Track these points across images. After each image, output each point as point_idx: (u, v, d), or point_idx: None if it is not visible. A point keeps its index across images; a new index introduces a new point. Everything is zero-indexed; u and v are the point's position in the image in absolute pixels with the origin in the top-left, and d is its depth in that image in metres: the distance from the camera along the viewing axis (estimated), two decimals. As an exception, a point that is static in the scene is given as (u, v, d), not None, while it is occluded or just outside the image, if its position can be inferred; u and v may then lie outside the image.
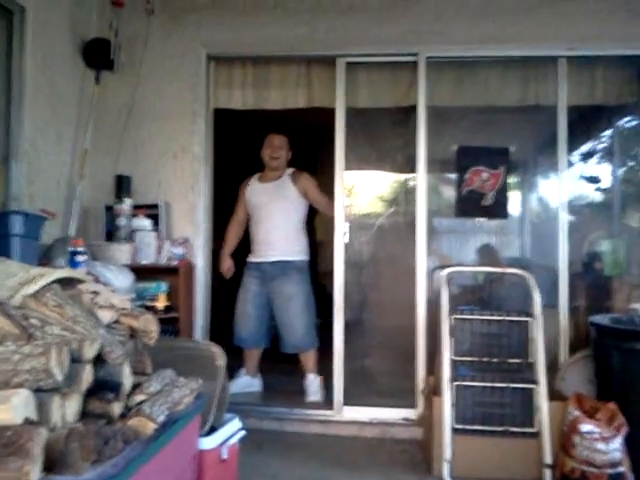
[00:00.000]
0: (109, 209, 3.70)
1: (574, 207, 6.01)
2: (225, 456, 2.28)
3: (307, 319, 3.97)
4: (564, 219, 3.89)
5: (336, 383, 3.74)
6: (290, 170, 4.15)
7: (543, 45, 3.70)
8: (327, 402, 3.79)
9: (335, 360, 3.76)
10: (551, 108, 3.85)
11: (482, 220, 4.05)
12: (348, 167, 3.91)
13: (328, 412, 3.70)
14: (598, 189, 5.67)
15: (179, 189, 3.87)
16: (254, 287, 4.06)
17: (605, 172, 5.52)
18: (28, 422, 1.37)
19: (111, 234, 3.63)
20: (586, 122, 5.14)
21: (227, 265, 4.20)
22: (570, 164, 6.07)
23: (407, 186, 5.53)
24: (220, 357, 2.40)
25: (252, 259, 4.11)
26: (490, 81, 3.90)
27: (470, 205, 3.98)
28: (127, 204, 3.62)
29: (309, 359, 3.98)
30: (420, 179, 3.77)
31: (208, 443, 2.20)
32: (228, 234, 4.27)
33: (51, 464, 1.32)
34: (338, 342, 3.77)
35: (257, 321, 4.06)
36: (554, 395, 3.03)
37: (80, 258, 2.78)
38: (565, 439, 2.77)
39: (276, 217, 4.01)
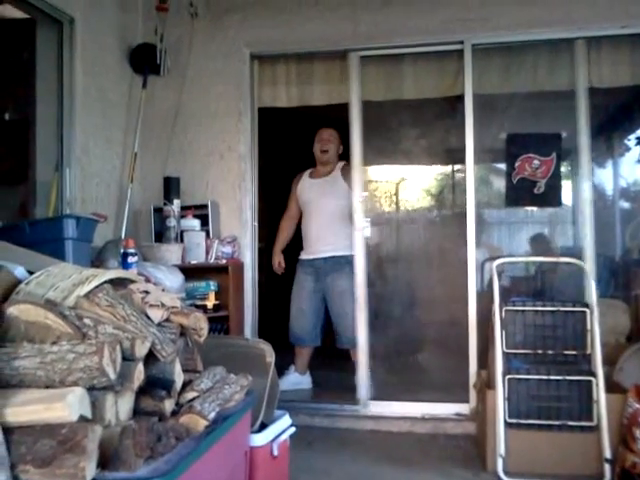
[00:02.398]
0: (158, 210, 3.77)
1: (630, 192, 5.82)
2: (276, 452, 2.29)
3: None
4: (620, 205, 3.71)
5: (361, 380, 3.75)
6: (341, 164, 4.14)
7: (593, 25, 3.57)
8: (378, 398, 3.78)
9: (360, 356, 3.77)
10: (604, 91, 3.71)
11: (534, 209, 3.92)
12: (394, 161, 3.87)
13: (378, 407, 3.68)
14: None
15: (226, 188, 3.92)
16: (308, 284, 4.07)
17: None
18: (83, 419, 1.40)
19: (161, 235, 3.70)
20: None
21: (277, 261, 4.23)
22: (627, 148, 5.89)
23: (455, 177, 5.46)
24: (270, 354, 2.42)
25: (304, 256, 4.13)
26: (539, 66, 3.79)
27: (521, 194, 3.88)
28: (176, 205, 3.68)
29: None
30: (469, 170, 3.71)
31: (259, 440, 2.21)
32: (280, 230, 4.30)
33: (105, 461, 1.35)
34: (362, 338, 3.77)
35: (313, 318, 4.07)
36: (612, 387, 2.92)
37: (131, 259, 2.84)
38: (626, 432, 2.67)
39: (327, 213, 4.02)
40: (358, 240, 3.83)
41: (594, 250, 3.57)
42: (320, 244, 4.03)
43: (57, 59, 3.39)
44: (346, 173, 4.04)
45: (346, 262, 3.96)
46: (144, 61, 3.89)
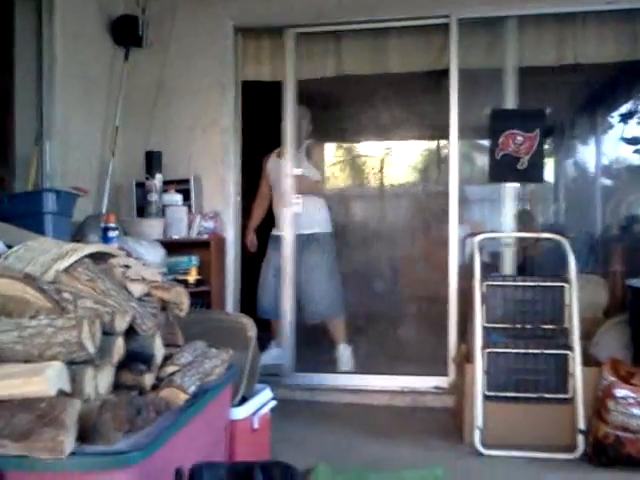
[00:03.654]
0: (140, 185, 3.75)
1: (612, 170, 5.87)
2: (257, 425, 2.31)
3: (329, 288, 3.99)
4: (601, 182, 3.74)
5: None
6: (308, 142, 4.12)
7: (579, 1, 3.55)
8: (358, 371, 3.82)
9: (284, 330, 3.90)
10: (589, 66, 3.72)
11: (516, 186, 3.93)
12: (377, 134, 3.86)
13: (357, 381, 3.73)
14: (637, 150, 5.51)
15: (209, 163, 3.89)
16: (276, 260, 4.08)
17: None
18: (62, 394, 1.41)
19: (142, 210, 3.68)
20: (627, 80, 4.97)
21: (249, 239, 4.24)
22: (608, 126, 5.92)
23: (439, 153, 5.46)
24: (251, 328, 2.43)
25: (274, 232, 4.14)
26: (525, 40, 3.77)
27: (504, 170, 3.88)
28: (157, 180, 3.65)
29: (337, 329, 4.01)
30: (452, 145, 3.71)
31: (240, 413, 2.23)
32: (253, 209, 4.30)
33: (85, 434, 1.36)
34: (287, 312, 3.90)
35: (279, 292, 4.10)
36: (588, 360, 2.98)
37: (112, 234, 2.83)
38: (599, 404, 2.73)
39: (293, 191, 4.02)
40: (287, 217, 3.89)
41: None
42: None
43: (36, 31, 3.32)
44: (311, 151, 4.03)
45: (314, 239, 3.99)
46: (126, 33, 3.82)
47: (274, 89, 4.07)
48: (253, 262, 4.33)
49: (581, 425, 2.79)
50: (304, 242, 4.00)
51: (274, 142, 4.27)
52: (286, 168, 3.98)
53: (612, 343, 3.18)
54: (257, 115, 4.30)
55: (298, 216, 3.99)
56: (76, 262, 1.83)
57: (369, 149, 5.73)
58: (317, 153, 3.99)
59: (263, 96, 4.18)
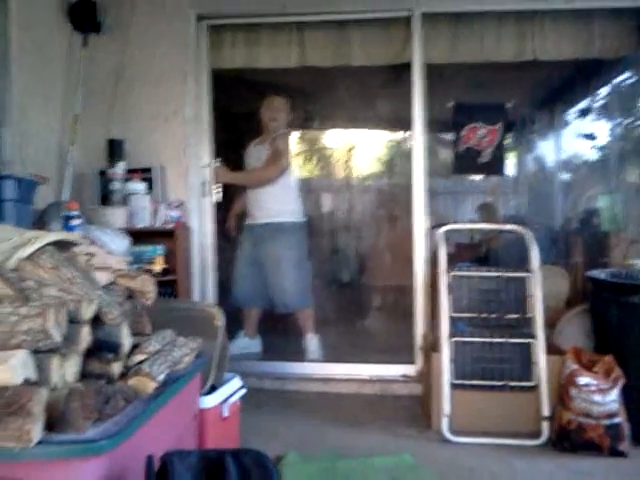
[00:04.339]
0: (102, 174, 3.67)
1: (571, 164, 6.00)
2: (226, 414, 2.30)
3: (298, 279, 4.00)
4: (561, 176, 3.82)
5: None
6: (281, 132, 4.11)
7: (539, -1, 3.62)
8: (326, 360, 3.84)
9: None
10: (549, 63, 3.78)
11: (479, 178, 3.99)
12: (342, 126, 3.86)
13: (326, 370, 3.75)
14: (595, 146, 5.65)
15: (171, 152, 3.81)
16: (248, 248, 4.10)
17: (603, 128, 5.49)
18: (28, 382, 1.37)
19: (105, 198, 3.60)
20: (584, 77, 5.09)
21: (231, 223, 4.30)
22: (567, 122, 6.05)
23: (403, 146, 5.50)
24: (219, 317, 2.41)
25: (247, 221, 4.17)
26: (486, 36, 3.82)
27: (467, 162, 3.95)
28: (120, 168, 3.57)
29: (306, 319, 4.02)
30: (416, 138, 3.73)
31: (209, 402, 2.21)
32: (236, 197, 4.30)
33: (53, 423, 1.33)
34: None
35: (252, 281, 4.09)
36: (552, 349, 3.05)
37: (75, 222, 2.76)
38: (562, 392, 2.79)
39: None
40: (207, 207, 3.89)
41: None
42: (256, 210, 4.07)
43: (-10, 15, 3.20)
44: (274, 140, 4.03)
45: (283, 229, 3.99)
46: (84, 18, 3.70)
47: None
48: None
49: (545, 412, 2.84)
50: (273, 231, 3.99)
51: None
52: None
53: (574, 332, 3.25)
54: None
55: (268, 204, 3.99)
56: (39, 250, 1.78)
57: (333, 141, 5.74)
58: (281, 142, 3.97)
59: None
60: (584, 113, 5.73)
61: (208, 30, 3.93)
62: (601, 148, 5.63)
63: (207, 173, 3.89)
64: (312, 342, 3.98)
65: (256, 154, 4.13)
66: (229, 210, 4.35)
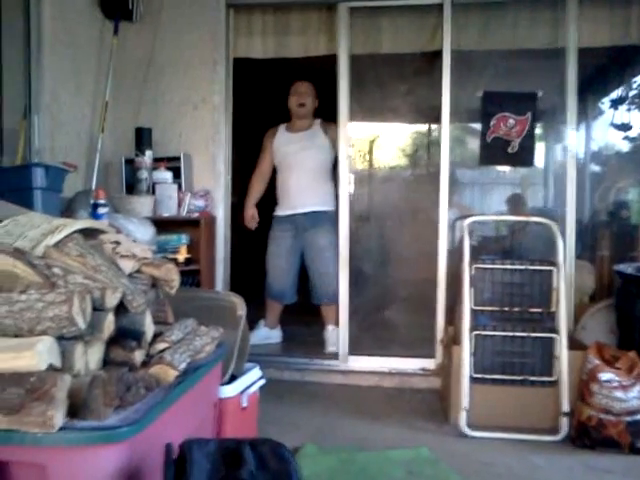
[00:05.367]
0: (130, 162, 3.71)
1: (602, 155, 5.88)
2: (245, 404, 2.32)
3: (334, 270, 3.95)
4: (591, 167, 3.75)
5: (342, 334, 3.81)
6: (319, 120, 4.10)
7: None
8: (349, 352, 3.84)
9: (341, 312, 3.82)
10: (582, 51, 3.71)
11: (506, 170, 3.93)
12: (368, 118, 3.84)
13: (346, 362, 3.77)
14: (628, 136, 5.53)
15: (199, 140, 3.86)
16: (287, 240, 4.04)
17: (636, 118, 5.36)
18: (52, 369, 1.41)
19: (132, 187, 3.64)
20: (619, 65, 4.97)
21: (250, 213, 4.14)
22: (600, 111, 5.92)
23: (431, 136, 5.43)
24: (241, 307, 2.43)
25: (282, 212, 4.09)
26: (518, 23, 3.76)
27: (495, 153, 3.89)
28: (148, 156, 3.61)
29: (331, 310, 3.98)
30: (444, 128, 3.70)
31: (229, 391, 2.23)
32: (252, 185, 4.22)
33: (75, 410, 1.36)
34: (344, 294, 3.81)
35: (292, 275, 4.08)
36: (574, 344, 3.02)
37: (102, 210, 2.81)
38: (584, 387, 2.77)
39: (307, 167, 3.97)
40: (343, 196, 3.81)
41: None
42: (300, 199, 3.98)
43: (24, 3, 3.25)
44: (327, 128, 4.01)
45: (326, 218, 3.95)
46: (116, 6, 3.76)
47: (261, 67, 4.05)
48: (246, 240, 4.31)
49: (565, 408, 2.83)
50: (309, 221, 3.96)
51: (265, 119, 4.25)
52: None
53: (598, 327, 3.22)
54: (244, 93, 4.26)
55: (304, 194, 3.97)
56: (66, 237, 1.82)
57: (359, 131, 5.69)
58: (334, 131, 3.93)
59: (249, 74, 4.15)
60: (617, 103, 5.60)
61: (236, 17, 3.94)
62: (634, 139, 5.51)
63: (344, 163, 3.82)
64: (332, 334, 3.94)
65: (296, 142, 4.05)
66: (245, 200, 4.27)
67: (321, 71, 3.83)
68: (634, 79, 5.26)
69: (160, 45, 3.89)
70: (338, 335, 3.89)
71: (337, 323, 3.90)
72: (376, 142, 5.26)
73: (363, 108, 4.07)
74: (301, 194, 3.99)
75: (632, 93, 5.42)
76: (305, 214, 3.97)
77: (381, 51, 3.89)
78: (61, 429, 1.27)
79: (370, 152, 5.29)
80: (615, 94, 5.59)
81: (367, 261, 4.06)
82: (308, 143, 4.00)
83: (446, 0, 3.64)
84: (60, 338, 1.49)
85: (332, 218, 3.94)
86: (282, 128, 4.17)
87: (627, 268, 3.14)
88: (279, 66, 4.20)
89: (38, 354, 1.38)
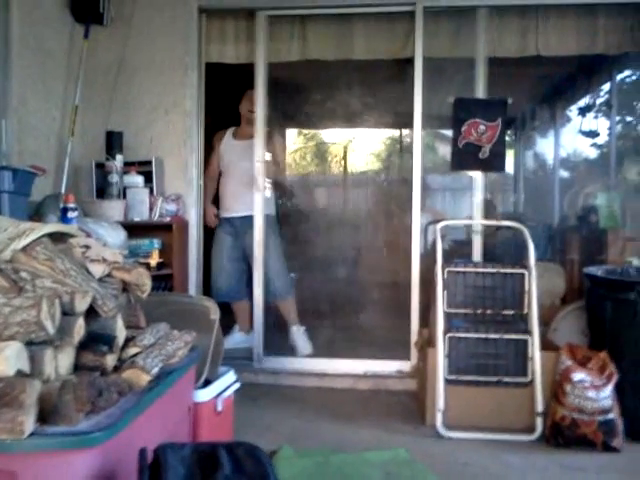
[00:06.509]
0: (100, 166, 3.66)
1: (571, 161, 6.00)
2: (220, 408, 2.31)
3: (280, 269, 4.01)
4: (560, 172, 3.82)
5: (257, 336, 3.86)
6: (266, 129, 4.08)
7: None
8: (319, 354, 3.85)
9: (255, 312, 3.87)
10: (551, 60, 3.77)
11: (477, 175, 3.97)
12: (341, 123, 3.85)
13: (321, 364, 3.76)
14: (595, 143, 5.65)
15: (171, 145, 3.82)
16: (227, 241, 4.10)
17: (603, 125, 5.48)
18: (21, 374, 1.38)
19: (102, 191, 3.59)
20: (586, 74, 5.08)
21: (212, 212, 4.17)
22: (568, 118, 6.04)
23: (402, 142, 5.49)
24: (214, 311, 2.41)
25: (223, 213, 4.13)
26: (488, 31, 3.80)
27: (466, 158, 3.92)
28: (118, 161, 3.57)
29: (289, 309, 4.04)
30: (416, 134, 3.73)
31: (203, 395, 2.22)
32: (207, 183, 4.20)
33: (45, 415, 1.33)
34: (258, 295, 3.87)
35: (235, 274, 4.10)
36: (547, 346, 3.05)
37: (71, 214, 2.76)
38: (557, 388, 2.80)
39: (247, 174, 3.96)
40: (258, 201, 3.86)
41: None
42: (238, 203, 4.03)
43: (-9, 6, 3.20)
44: (272, 138, 4.03)
45: (265, 220, 3.96)
46: (86, 10, 3.71)
47: (227, 72, 4.04)
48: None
49: (540, 408, 2.86)
50: (247, 224, 3.96)
51: (223, 123, 4.23)
52: (255, 153, 3.91)
53: (569, 329, 3.26)
54: (218, 97, 4.24)
55: (247, 197, 3.95)
56: (34, 241, 1.78)
57: (332, 136, 5.71)
58: (277, 141, 3.95)
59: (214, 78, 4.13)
60: (585, 110, 5.71)
61: (208, 22, 3.92)
62: (601, 145, 5.62)
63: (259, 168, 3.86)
64: (298, 335, 3.98)
65: (239, 149, 4.07)
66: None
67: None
68: (600, 87, 5.38)
69: (131, 49, 3.85)
70: (305, 336, 3.91)
71: (299, 322, 3.96)
72: (349, 147, 5.30)
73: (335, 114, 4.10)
74: (238, 198, 4.03)
75: (598, 101, 5.54)
76: (243, 217, 4.01)
77: (353, 57, 3.91)
78: (31, 435, 1.25)
79: (344, 157, 5.32)
80: (583, 102, 5.71)
81: (339, 265, 4.06)
82: (250, 152, 3.94)
83: (418, 7, 3.67)
84: (29, 343, 1.46)
85: (269, 221, 3.99)
86: (229, 133, 4.20)
87: (596, 271, 3.19)
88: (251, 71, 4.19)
89: (6, 360, 1.35)
